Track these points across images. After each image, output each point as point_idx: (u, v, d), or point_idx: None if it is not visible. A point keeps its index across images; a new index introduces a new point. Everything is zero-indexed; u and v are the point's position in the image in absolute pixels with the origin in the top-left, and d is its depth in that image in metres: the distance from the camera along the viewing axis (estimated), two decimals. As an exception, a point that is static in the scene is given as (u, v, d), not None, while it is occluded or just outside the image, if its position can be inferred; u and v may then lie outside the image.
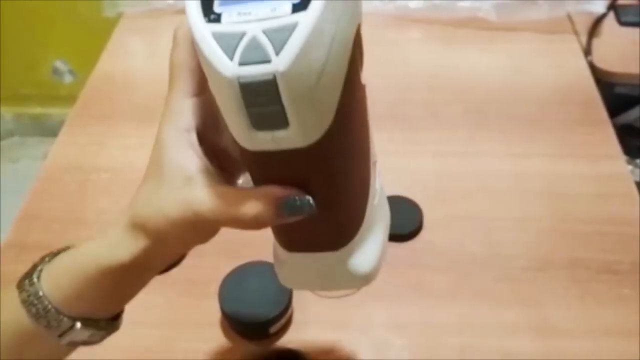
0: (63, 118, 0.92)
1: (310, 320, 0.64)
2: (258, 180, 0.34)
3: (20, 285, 0.39)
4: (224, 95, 0.29)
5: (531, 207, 0.74)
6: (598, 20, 0.97)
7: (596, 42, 0.95)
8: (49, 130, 1.93)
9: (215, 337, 0.63)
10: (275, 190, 0.33)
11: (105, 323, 0.41)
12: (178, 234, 0.35)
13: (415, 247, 0.70)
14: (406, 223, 0.71)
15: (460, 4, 0.98)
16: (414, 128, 0.84)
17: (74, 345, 0.40)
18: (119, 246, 0.37)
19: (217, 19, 0.28)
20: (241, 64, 0.28)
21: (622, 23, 0.98)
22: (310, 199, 0.33)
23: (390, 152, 0.80)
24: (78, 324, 0.38)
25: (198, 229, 0.35)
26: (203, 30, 0.28)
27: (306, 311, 0.64)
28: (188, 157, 0.35)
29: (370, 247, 0.39)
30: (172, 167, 0.35)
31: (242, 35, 0.28)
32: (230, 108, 0.30)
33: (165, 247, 0.37)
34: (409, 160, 0.79)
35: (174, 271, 0.68)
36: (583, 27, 0.97)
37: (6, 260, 0.70)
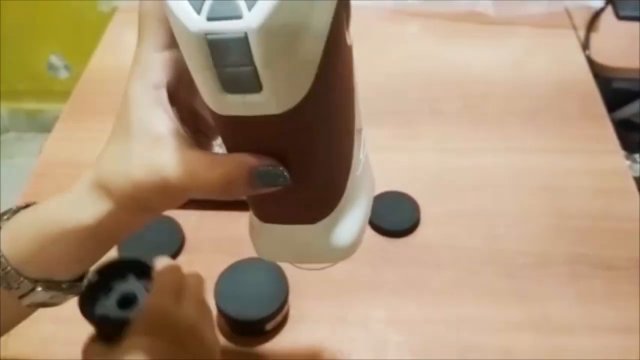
0: (58, 114, 0.92)
1: (307, 317, 0.64)
2: (230, 147, 0.32)
3: None
4: (191, 52, 0.26)
5: (530, 202, 0.73)
6: (596, 15, 0.96)
7: (594, 37, 0.94)
8: (45, 126, 1.92)
9: (212, 335, 0.63)
10: (248, 159, 0.30)
11: (68, 285, 0.38)
12: (143, 198, 0.33)
13: (412, 243, 0.70)
14: (403, 219, 0.71)
15: (458, -2, 0.97)
16: (411, 123, 0.84)
17: (35, 306, 0.38)
18: (81, 207, 0.34)
19: None
20: (209, 18, 0.25)
21: (621, 17, 0.98)
22: (284, 170, 0.31)
23: (387, 147, 0.80)
24: (39, 287, 0.36)
25: (165, 195, 0.33)
26: None
27: (303, 307, 0.64)
28: (157, 117, 0.32)
29: (350, 219, 0.37)
30: (139, 127, 0.32)
31: None
32: (198, 67, 0.27)
33: (130, 212, 0.34)
34: (406, 156, 0.79)
35: (170, 268, 0.68)
36: (581, 22, 0.97)
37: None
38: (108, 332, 0.50)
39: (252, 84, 0.26)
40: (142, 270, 0.55)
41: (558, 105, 0.85)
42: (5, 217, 0.38)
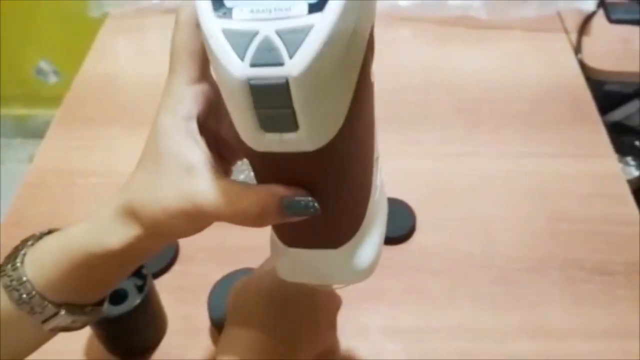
0: (47, 119, 0.91)
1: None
2: (262, 178, 0.33)
3: (2, 270, 0.37)
4: (232, 94, 0.28)
5: (525, 207, 0.73)
6: (588, 18, 0.97)
7: (586, 40, 0.95)
8: (33, 131, 1.90)
9: (205, 345, 0.62)
10: (280, 190, 0.32)
11: (90, 308, 0.39)
12: (173, 224, 0.34)
13: (408, 250, 0.69)
14: (399, 226, 0.70)
15: (450, 2, 0.97)
16: (404, 128, 0.83)
17: (56, 330, 0.39)
18: (108, 232, 0.35)
19: (228, 14, 0.27)
20: (252, 65, 0.26)
21: (612, 20, 0.98)
22: (314, 200, 0.32)
23: (381, 153, 0.80)
24: (62, 311, 0.37)
25: (194, 221, 0.34)
26: (213, 26, 0.27)
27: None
28: (188, 147, 0.33)
29: (369, 242, 0.39)
30: (171, 156, 0.33)
31: (255, 34, 0.26)
32: (239, 108, 0.28)
33: (157, 237, 0.36)
34: (400, 161, 0.79)
35: (164, 277, 0.67)
36: (573, 25, 0.97)
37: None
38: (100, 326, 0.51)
39: (290, 124, 0.28)
40: (137, 272, 0.58)
41: (551, 108, 0.85)
42: (29, 242, 0.38)
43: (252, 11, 0.26)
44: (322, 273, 0.39)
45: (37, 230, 0.39)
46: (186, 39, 0.33)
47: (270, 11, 0.26)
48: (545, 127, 0.82)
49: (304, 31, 0.25)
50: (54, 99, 1.24)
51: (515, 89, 0.88)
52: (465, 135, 0.82)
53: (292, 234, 0.37)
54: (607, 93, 1.09)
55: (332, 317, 0.49)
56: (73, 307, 0.38)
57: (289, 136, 0.28)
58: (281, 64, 0.26)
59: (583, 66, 0.91)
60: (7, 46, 1.73)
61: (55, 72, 1.79)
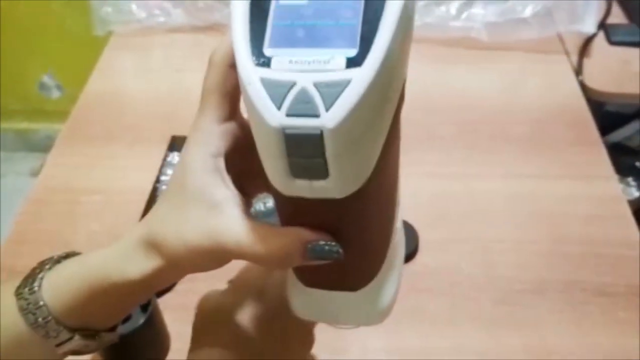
0: (49, 133, 0.92)
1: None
2: (287, 220, 0.34)
3: (18, 292, 0.37)
4: (266, 141, 0.29)
5: (526, 228, 0.74)
6: (588, 40, 0.98)
7: (587, 62, 0.96)
8: (35, 145, 1.91)
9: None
10: (305, 234, 0.32)
11: (104, 334, 0.40)
12: (194, 259, 0.34)
13: (411, 270, 0.70)
14: (402, 246, 0.71)
15: (452, 24, 0.98)
16: (408, 149, 0.83)
17: (67, 353, 0.39)
18: (129, 262, 0.35)
19: (267, 63, 0.27)
20: (288, 114, 0.27)
21: (612, 42, 0.99)
22: (338, 245, 0.32)
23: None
24: (77, 336, 0.37)
25: (216, 259, 0.34)
26: (251, 73, 0.27)
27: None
28: (215, 184, 0.34)
29: (388, 285, 0.39)
30: (196, 192, 0.33)
31: (292, 85, 0.27)
32: (271, 154, 0.29)
33: (177, 270, 0.36)
34: (403, 182, 0.79)
35: (167, 296, 0.67)
36: (574, 47, 0.98)
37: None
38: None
39: (320, 173, 0.28)
40: None
41: (552, 130, 0.86)
42: (47, 266, 0.38)
43: (290, 62, 0.27)
44: (338, 314, 0.39)
45: (54, 253, 0.40)
46: (219, 80, 0.34)
47: (308, 63, 0.27)
48: (547, 148, 0.83)
49: (342, 85, 0.26)
50: (56, 114, 1.26)
51: (516, 110, 0.89)
52: (467, 156, 0.83)
53: (312, 275, 0.37)
54: (607, 114, 1.10)
55: (305, 336, 0.48)
56: (87, 332, 0.38)
57: (319, 183, 0.29)
58: (317, 116, 0.26)
59: (584, 87, 0.92)
60: (11, 60, 1.74)
61: (58, 87, 1.80)
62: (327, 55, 0.27)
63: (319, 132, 0.27)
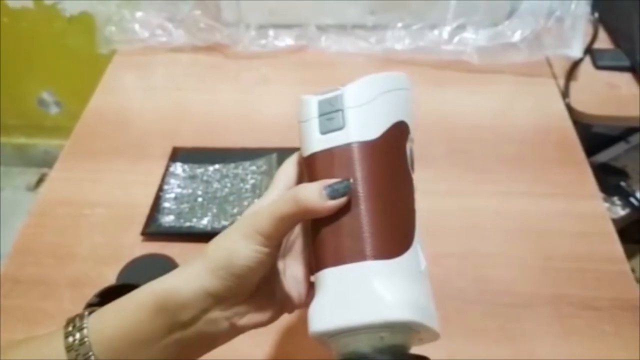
0: (47, 149, 0.94)
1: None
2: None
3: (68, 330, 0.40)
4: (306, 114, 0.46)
5: (516, 244, 0.76)
6: (575, 64, 1.01)
7: (573, 85, 0.99)
8: (33, 160, 1.92)
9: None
10: (325, 181, 0.41)
11: None
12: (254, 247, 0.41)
13: (404, 284, 0.72)
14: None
15: (444, 47, 1.02)
16: (401, 166, 0.86)
17: None
18: (190, 281, 0.41)
19: None
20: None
21: (598, 67, 1.02)
22: (347, 181, 0.41)
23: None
24: None
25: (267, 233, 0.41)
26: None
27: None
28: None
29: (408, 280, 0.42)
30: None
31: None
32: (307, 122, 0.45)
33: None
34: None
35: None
36: (561, 71, 1.01)
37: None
38: None
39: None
40: None
41: (540, 150, 0.89)
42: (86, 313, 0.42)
43: None
44: (362, 302, 0.39)
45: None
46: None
47: None
48: (535, 168, 0.86)
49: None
50: (55, 130, 1.27)
51: (505, 131, 0.92)
52: (459, 174, 0.85)
53: (343, 239, 0.41)
54: (594, 135, 1.14)
55: None
56: None
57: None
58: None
59: (570, 110, 0.95)
60: (10, 76, 1.76)
61: (57, 104, 1.82)
62: None
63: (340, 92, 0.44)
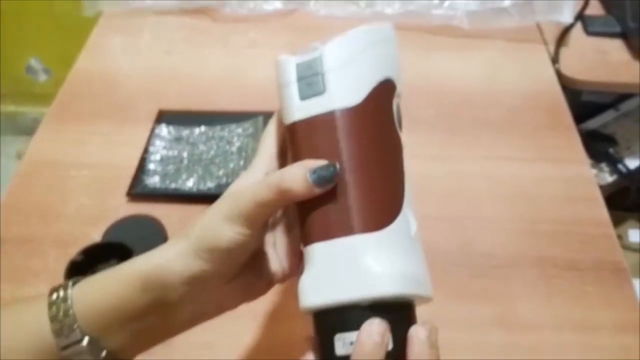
0: (37, 116, 0.93)
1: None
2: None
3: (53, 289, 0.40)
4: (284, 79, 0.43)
5: (502, 208, 0.76)
6: (566, 30, 1.00)
7: (564, 51, 0.98)
8: (22, 128, 1.91)
9: None
10: (308, 162, 0.39)
11: (106, 354, 0.40)
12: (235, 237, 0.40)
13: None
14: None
15: (434, 12, 1.01)
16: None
17: None
18: (176, 261, 0.41)
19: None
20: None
21: (589, 33, 1.02)
22: (334, 164, 0.39)
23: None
24: (85, 342, 0.39)
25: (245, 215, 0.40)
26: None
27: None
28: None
29: (401, 251, 0.40)
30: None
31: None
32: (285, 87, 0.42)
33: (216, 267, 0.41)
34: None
35: None
36: (551, 37, 1.01)
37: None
38: None
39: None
40: (125, 255, 0.58)
41: (529, 115, 0.89)
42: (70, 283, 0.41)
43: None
44: (351, 277, 0.38)
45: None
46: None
47: None
48: (523, 133, 0.86)
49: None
50: (44, 97, 1.25)
51: (494, 96, 0.92)
52: (447, 139, 0.85)
53: (330, 214, 0.39)
54: (584, 103, 1.14)
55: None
56: (94, 343, 0.39)
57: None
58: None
59: (560, 75, 0.94)
60: (-2, 44, 1.74)
61: (45, 70, 1.80)
62: None
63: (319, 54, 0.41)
